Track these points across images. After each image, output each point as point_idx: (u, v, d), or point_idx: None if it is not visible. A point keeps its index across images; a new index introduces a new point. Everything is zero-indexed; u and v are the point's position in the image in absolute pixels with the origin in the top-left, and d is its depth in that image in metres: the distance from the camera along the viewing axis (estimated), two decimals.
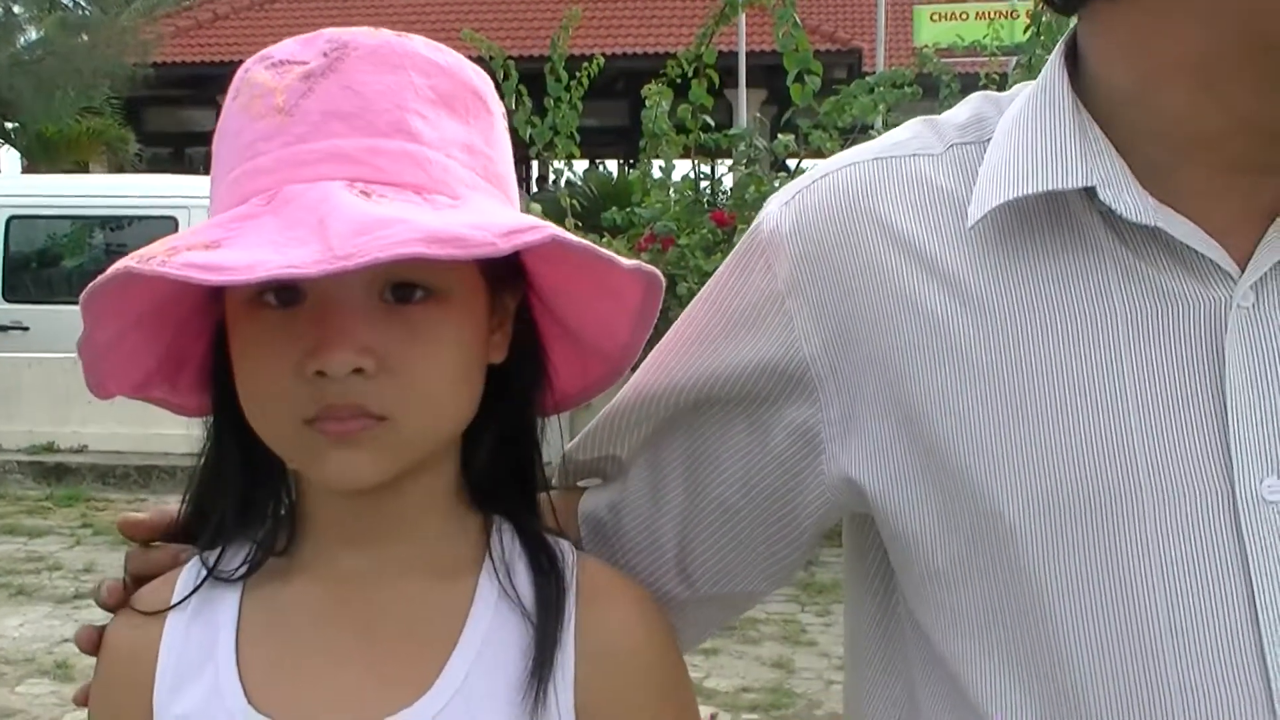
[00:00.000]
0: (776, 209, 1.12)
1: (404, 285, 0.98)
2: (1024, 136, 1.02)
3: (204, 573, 1.09)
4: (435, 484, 1.07)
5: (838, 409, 1.06)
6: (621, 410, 1.21)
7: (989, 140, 1.06)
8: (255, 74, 1.01)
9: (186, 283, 0.89)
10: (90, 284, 0.92)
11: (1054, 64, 1.04)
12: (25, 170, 21.73)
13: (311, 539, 1.09)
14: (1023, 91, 1.08)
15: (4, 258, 12.48)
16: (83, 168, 20.77)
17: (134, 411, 9.59)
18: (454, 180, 0.99)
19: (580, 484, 1.30)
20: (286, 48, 1.02)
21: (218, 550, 1.10)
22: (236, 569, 1.09)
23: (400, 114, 0.99)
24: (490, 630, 1.04)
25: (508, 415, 1.10)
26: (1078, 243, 1.00)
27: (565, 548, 1.10)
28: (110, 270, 0.91)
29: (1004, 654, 0.99)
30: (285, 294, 0.97)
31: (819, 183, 1.12)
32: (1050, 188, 0.99)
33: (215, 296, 1.02)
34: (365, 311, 0.97)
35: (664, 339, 1.19)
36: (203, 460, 1.11)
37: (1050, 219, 1.01)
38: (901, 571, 1.08)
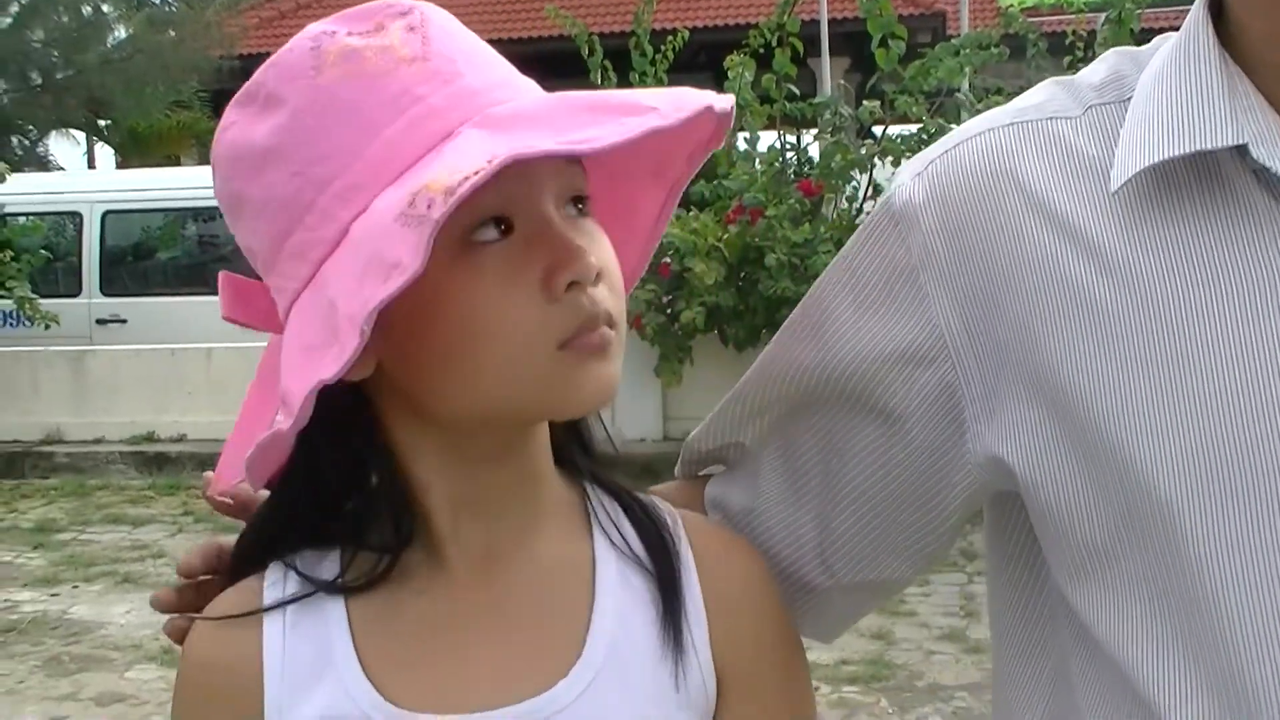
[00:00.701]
0: (908, 179, 1.08)
1: (580, 198, 0.98)
2: (1167, 94, 0.97)
3: (296, 580, 1.03)
4: (544, 442, 1.05)
5: (979, 385, 1.03)
6: (745, 395, 1.18)
7: (1129, 100, 1.02)
8: (344, 42, 0.95)
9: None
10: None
11: (1196, 14, 0.99)
12: (119, 166, 22.07)
13: (420, 528, 1.02)
14: (1163, 46, 1.03)
15: (101, 252, 12.72)
16: (174, 161, 21.08)
17: (231, 400, 9.68)
18: None
19: (702, 473, 1.27)
20: (347, 21, 0.98)
21: (301, 558, 1.04)
22: (350, 577, 1.02)
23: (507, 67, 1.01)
24: (621, 592, 1.03)
25: None
26: (1230, 204, 0.95)
27: (660, 503, 1.09)
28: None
29: (1167, 636, 0.94)
30: (499, 225, 0.93)
31: (953, 151, 1.07)
32: (1198, 148, 0.94)
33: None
34: (568, 223, 0.96)
35: (789, 319, 1.16)
36: (286, 477, 1.03)
37: (1199, 180, 0.96)
38: (1051, 551, 1.03)
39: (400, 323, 0.92)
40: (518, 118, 0.92)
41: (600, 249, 0.97)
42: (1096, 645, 1.00)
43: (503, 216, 0.93)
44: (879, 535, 1.13)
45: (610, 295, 0.96)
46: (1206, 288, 0.94)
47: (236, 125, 0.98)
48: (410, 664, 1.01)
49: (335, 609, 1.02)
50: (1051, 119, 1.04)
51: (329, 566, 1.03)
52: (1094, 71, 1.07)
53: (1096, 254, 0.98)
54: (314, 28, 0.99)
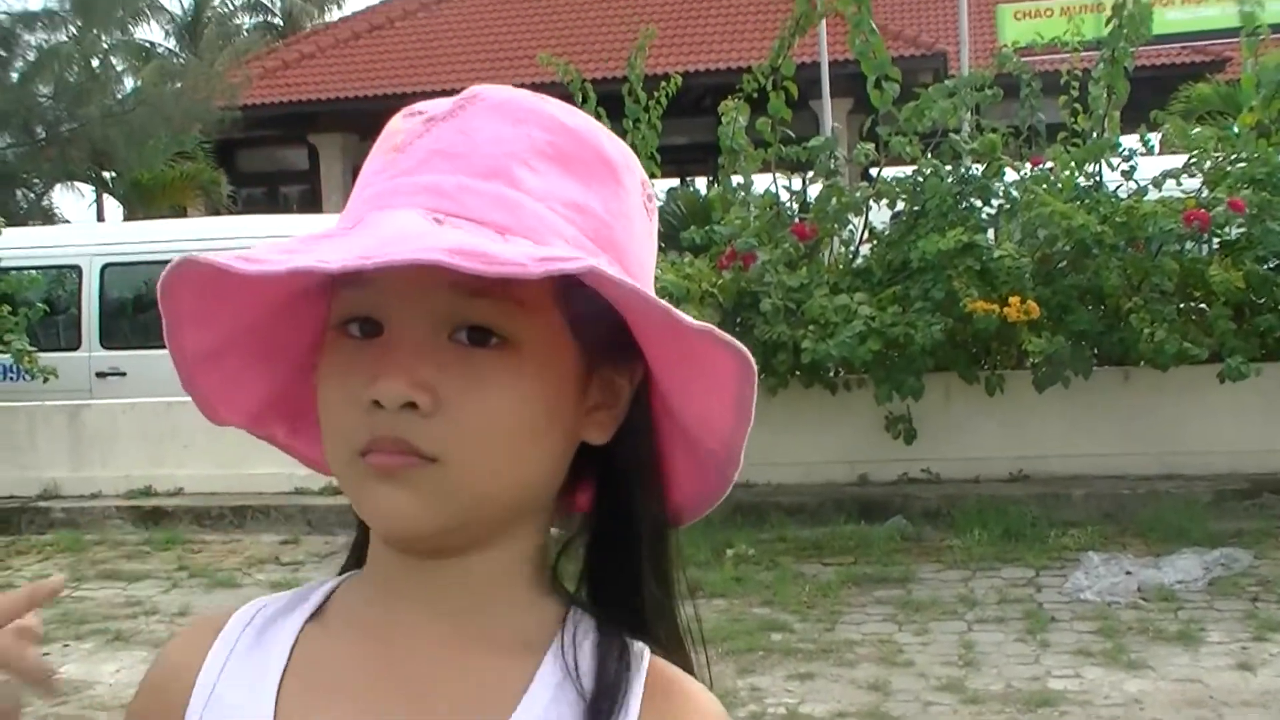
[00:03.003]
0: None
1: (477, 329, 0.94)
2: None
3: (262, 609, 1.08)
4: (505, 562, 1.02)
5: None
6: None
7: None
8: (392, 122, 1.02)
9: (290, 308, 0.96)
10: (162, 275, 0.95)
11: None
12: (126, 218, 22.15)
13: (374, 596, 1.04)
14: None
15: (100, 305, 12.71)
16: (180, 212, 21.18)
17: (228, 453, 9.76)
18: (549, 231, 0.94)
19: None
20: (429, 105, 1.02)
21: (280, 597, 1.09)
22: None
23: (506, 160, 0.96)
24: (545, 713, 0.98)
25: (611, 510, 1.05)
26: None
27: (639, 646, 1.03)
28: (175, 260, 0.93)
29: None
30: (367, 326, 0.95)
31: None
32: None
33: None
34: (432, 349, 0.93)
35: None
36: None
37: None
38: None
39: None
40: (369, 228, 0.93)
41: (467, 383, 0.93)
42: None
43: (370, 319, 0.95)
44: None
45: (438, 429, 0.93)
46: None
47: None
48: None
49: (284, 646, 1.05)
50: None
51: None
52: None
53: None
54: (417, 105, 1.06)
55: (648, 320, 0.94)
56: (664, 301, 0.92)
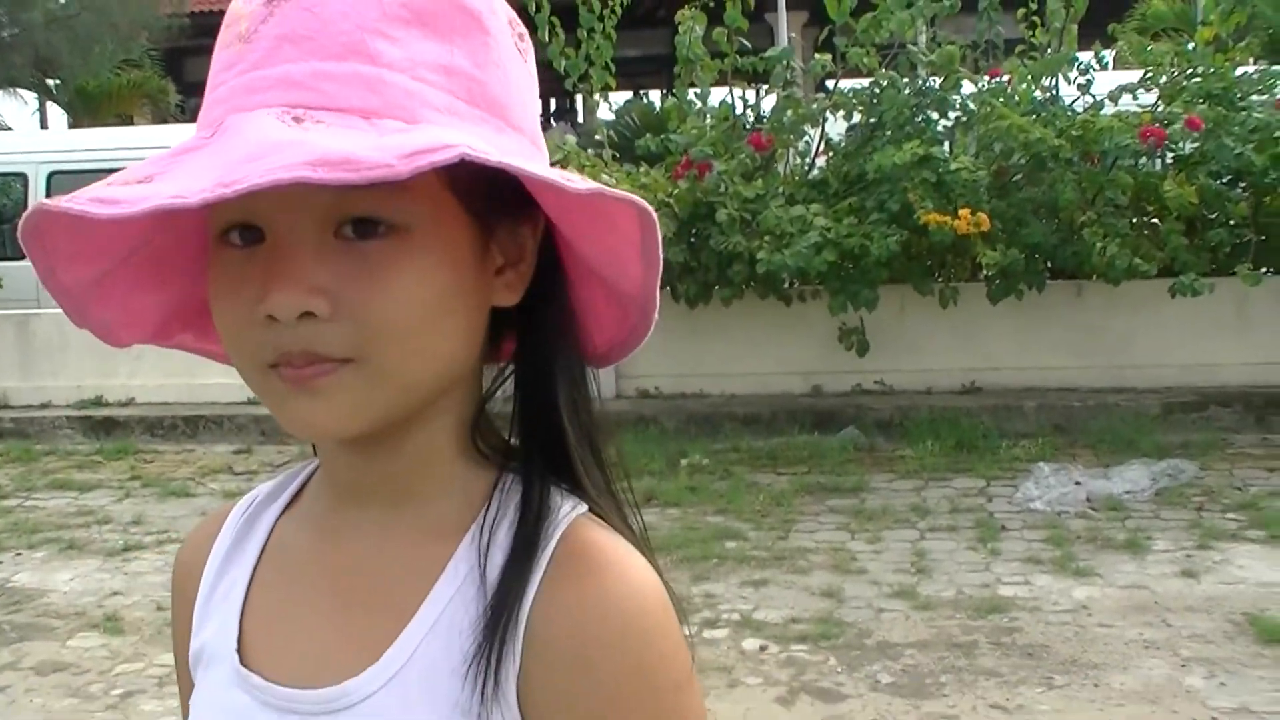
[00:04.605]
0: None
1: (363, 220, 0.90)
2: None
3: (256, 498, 1.11)
4: (434, 439, 1.00)
5: None
6: None
7: None
8: (235, 4, 0.95)
9: (165, 218, 0.88)
10: (19, 224, 0.90)
11: None
12: (71, 126, 21.79)
13: (322, 488, 1.07)
14: None
15: None
16: (126, 121, 20.82)
17: (180, 363, 9.71)
18: (418, 104, 0.89)
19: None
20: None
21: (273, 480, 1.12)
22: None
23: (359, 35, 0.90)
24: (453, 602, 0.96)
25: (530, 362, 1.02)
26: None
27: (566, 509, 0.98)
28: (29, 209, 0.88)
29: None
30: (249, 233, 0.91)
31: None
32: None
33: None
34: (318, 250, 0.89)
35: None
36: None
37: None
38: None
39: None
40: (228, 139, 0.87)
41: (363, 280, 0.90)
42: None
43: (250, 224, 0.91)
44: None
45: (344, 331, 0.90)
46: None
47: None
48: (270, 620, 1.04)
49: (258, 541, 1.08)
50: None
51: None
52: None
53: None
54: None
55: (536, 185, 0.91)
56: (546, 170, 0.89)
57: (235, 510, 1.11)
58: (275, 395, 0.92)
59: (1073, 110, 8.57)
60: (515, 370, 1.03)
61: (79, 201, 0.82)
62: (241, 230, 0.91)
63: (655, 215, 0.94)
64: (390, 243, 0.90)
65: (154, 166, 0.86)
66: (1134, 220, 8.26)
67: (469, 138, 0.88)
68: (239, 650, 1.02)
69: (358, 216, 0.90)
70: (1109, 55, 9.63)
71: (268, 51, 0.90)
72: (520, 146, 0.95)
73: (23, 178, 12.70)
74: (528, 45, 1.01)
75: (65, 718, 4.83)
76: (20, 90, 22.41)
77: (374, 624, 0.98)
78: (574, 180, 0.89)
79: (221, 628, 1.04)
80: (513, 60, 0.98)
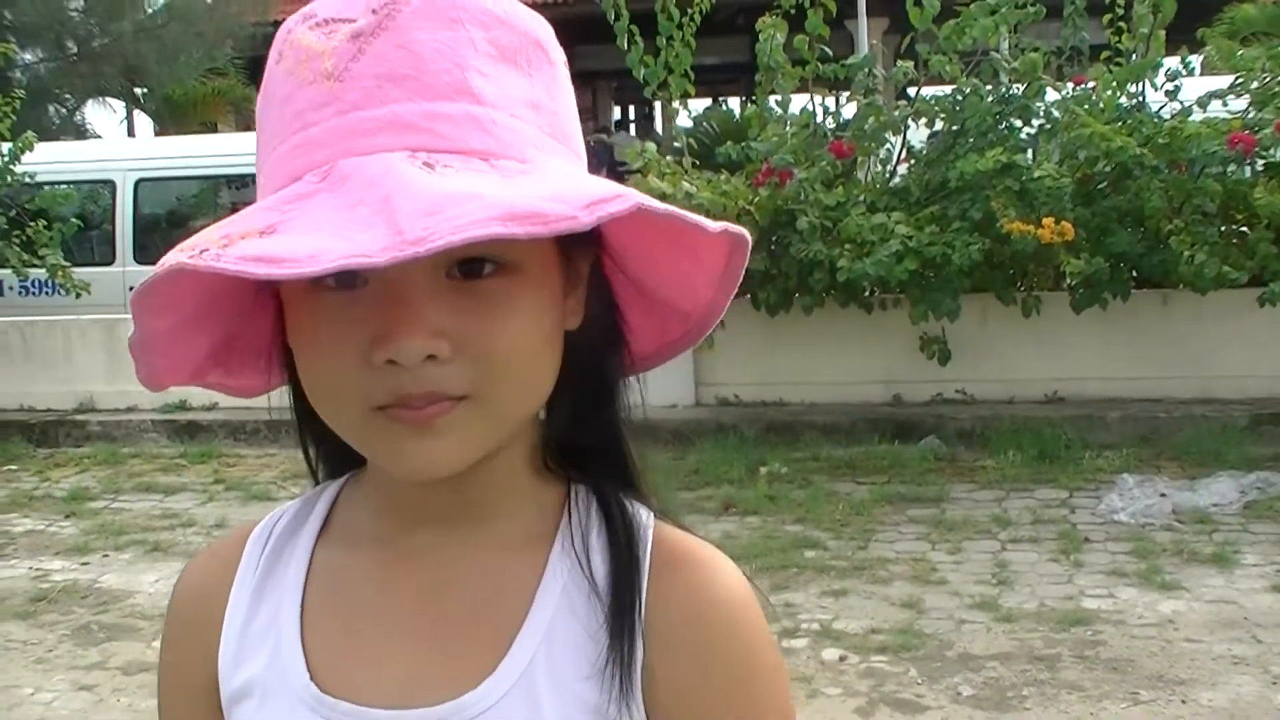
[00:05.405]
0: None
1: (472, 260, 0.90)
2: None
3: (273, 529, 1.09)
4: (512, 460, 1.03)
5: None
6: None
7: None
8: (300, 35, 0.93)
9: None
10: (141, 283, 0.87)
11: None
12: (158, 134, 22.12)
13: (383, 509, 1.05)
14: None
15: (134, 220, 12.73)
16: (211, 128, 21.12)
17: None
18: (522, 142, 0.91)
19: None
20: (331, 4, 0.93)
21: (287, 510, 1.10)
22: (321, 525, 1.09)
23: (460, 74, 0.90)
24: (559, 609, 0.99)
25: (587, 380, 1.04)
26: None
27: (644, 516, 1.03)
28: (162, 267, 0.84)
29: None
30: (345, 276, 0.89)
31: None
32: None
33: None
34: (433, 292, 0.90)
35: None
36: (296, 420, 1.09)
37: None
38: None
39: None
40: (357, 185, 0.85)
41: (480, 319, 0.91)
42: None
43: (346, 269, 0.87)
44: None
45: (463, 370, 0.90)
46: None
47: None
48: (345, 645, 1.02)
49: (299, 565, 1.06)
50: None
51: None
52: None
53: None
54: (301, 11, 0.96)
55: (652, 225, 0.91)
56: (689, 213, 0.90)
57: (250, 544, 1.09)
58: (386, 437, 0.92)
59: (1160, 117, 8.45)
60: (564, 385, 1.02)
61: (231, 261, 0.80)
62: (337, 275, 0.88)
63: (749, 245, 0.97)
64: (502, 281, 0.91)
65: (271, 215, 0.85)
66: (1222, 228, 8.12)
67: (578, 174, 0.92)
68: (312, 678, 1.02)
69: (471, 257, 0.90)
70: (1196, 61, 9.46)
71: (368, 91, 0.89)
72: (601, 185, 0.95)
73: (111, 185, 12.89)
74: (567, 71, 1.03)
75: (150, 718, 4.88)
76: (109, 99, 22.79)
77: (477, 638, 0.99)
78: (707, 222, 0.91)
79: (275, 659, 1.03)
80: (569, 89, 1.01)
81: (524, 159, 0.90)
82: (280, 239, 0.82)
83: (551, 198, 0.82)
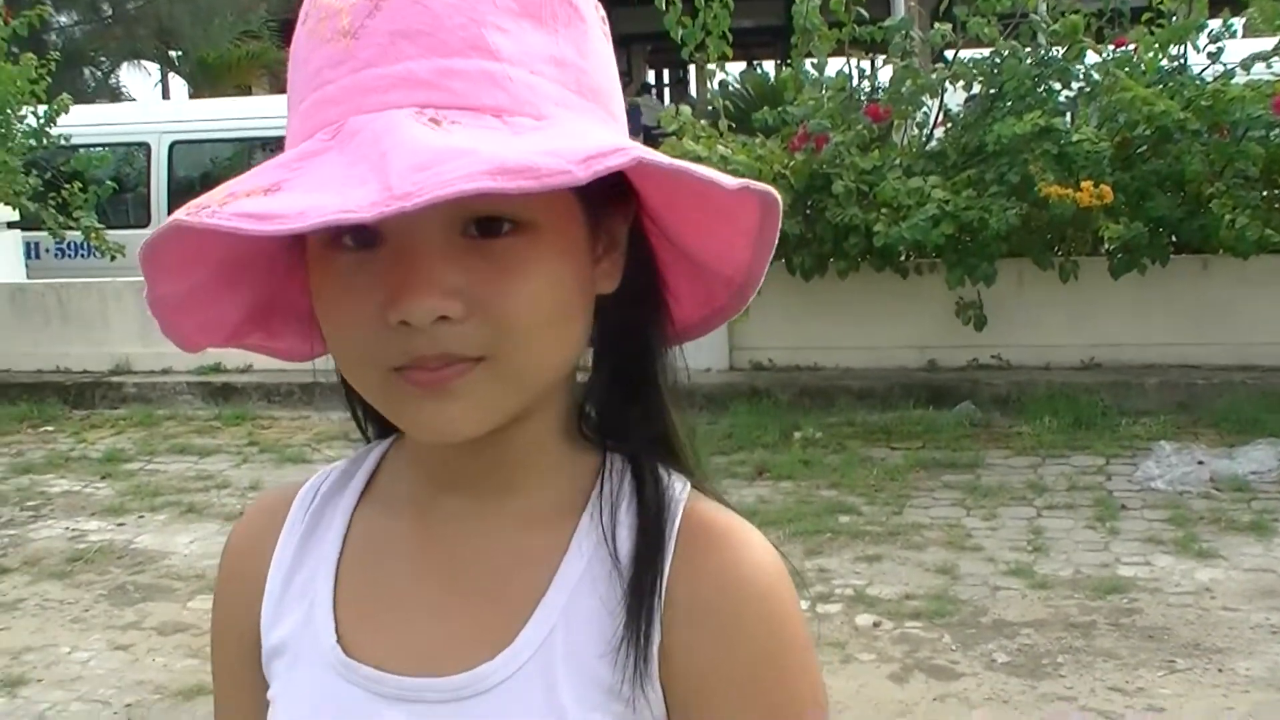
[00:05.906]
0: None
1: (488, 219, 0.89)
2: None
3: (319, 489, 1.09)
4: (541, 428, 1.01)
5: None
6: None
7: None
8: None
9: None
10: (144, 242, 0.86)
11: None
12: (191, 96, 22.18)
13: (417, 478, 1.05)
14: None
15: (169, 183, 12.78)
16: (245, 91, 21.17)
17: None
18: (541, 98, 0.89)
19: None
20: None
21: (335, 468, 1.11)
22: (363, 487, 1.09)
23: (476, 29, 0.89)
24: (581, 584, 0.98)
25: (626, 346, 1.03)
26: None
27: (678, 488, 1.01)
28: (161, 226, 0.84)
29: None
30: (362, 235, 0.89)
31: None
32: None
33: (300, 236, 0.92)
34: (447, 251, 0.88)
35: None
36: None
37: None
38: None
39: None
40: (362, 142, 0.84)
41: (494, 279, 0.89)
42: None
43: (366, 226, 0.86)
44: None
45: (478, 331, 0.89)
46: None
47: None
48: (374, 610, 1.02)
49: (338, 528, 1.07)
50: None
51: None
52: None
53: None
54: None
55: (676, 183, 0.89)
56: (700, 167, 0.87)
57: (297, 501, 1.10)
58: (402, 399, 0.91)
59: (1201, 80, 8.34)
60: (602, 351, 1.02)
61: (224, 218, 0.79)
62: (354, 233, 0.89)
63: (781, 206, 0.94)
64: (518, 240, 0.90)
65: (278, 173, 0.84)
66: (1265, 193, 8.02)
67: (600, 131, 0.89)
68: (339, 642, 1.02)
69: (487, 215, 0.89)
70: (1239, 22, 9.32)
71: (382, 48, 0.88)
72: (623, 134, 0.93)
73: (145, 147, 12.94)
74: (607, 29, 1.01)
75: (185, 678, 4.92)
76: (144, 62, 22.86)
77: (499, 609, 0.98)
78: (723, 177, 0.88)
79: (308, 620, 1.03)
80: (605, 46, 0.98)
81: (540, 115, 0.88)
82: (282, 197, 0.81)
83: (548, 152, 0.80)
